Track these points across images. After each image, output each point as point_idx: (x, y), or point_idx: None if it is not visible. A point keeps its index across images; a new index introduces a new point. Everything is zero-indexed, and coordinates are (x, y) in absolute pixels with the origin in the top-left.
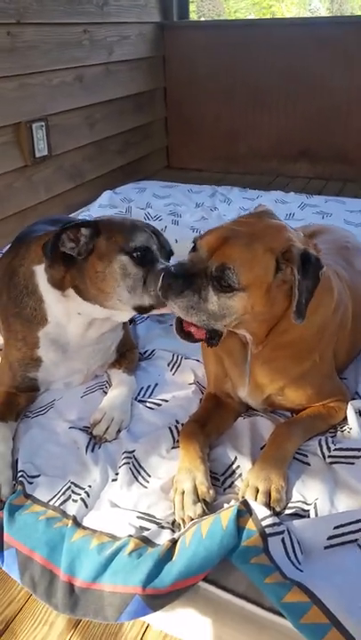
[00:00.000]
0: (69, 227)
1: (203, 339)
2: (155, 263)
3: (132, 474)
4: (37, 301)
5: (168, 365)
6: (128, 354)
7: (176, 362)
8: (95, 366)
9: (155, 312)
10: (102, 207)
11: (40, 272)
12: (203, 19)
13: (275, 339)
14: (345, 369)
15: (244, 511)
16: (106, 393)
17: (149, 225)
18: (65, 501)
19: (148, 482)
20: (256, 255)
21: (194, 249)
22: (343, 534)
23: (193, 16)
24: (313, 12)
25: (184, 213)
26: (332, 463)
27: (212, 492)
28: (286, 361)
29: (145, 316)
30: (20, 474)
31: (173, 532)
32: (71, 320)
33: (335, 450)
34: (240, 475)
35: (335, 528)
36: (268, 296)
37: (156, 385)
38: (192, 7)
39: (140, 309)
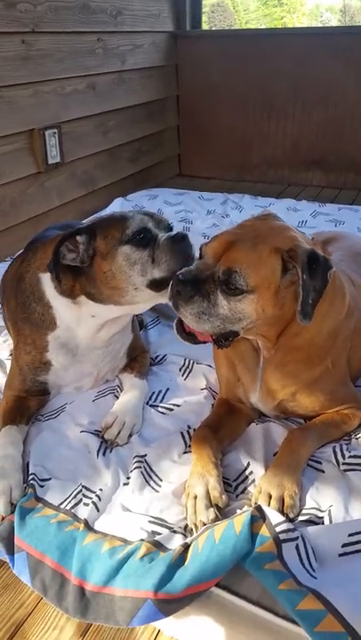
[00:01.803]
0: (65, 238)
1: (207, 341)
2: (157, 238)
3: (144, 478)
4: (45, 307)
5: (180, 370)
6: (139, 358)
7: (188, 367)
8: (105, 370)
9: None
10: None
11: (46, 280)
12: (214, 29)
13: (286, 342)
14: (359, 377)
15: (258, 517)
16: (117, 397)
17: (139, 210)
18: (76, 505)
19: (159, 486)
20: (262, 256)
21: (200, 256)
22: (358, 542)
23: (204, 27)
24: (324, 24)
25: (195, 220)
26: (346, 470)
27: (224, 497)
28: (298, 365)
29: (164, 301)
30: (31, 477)
31: (185, 536)
32: (81, 323)
33: (350, 457)
34: (253, 481)
35: (350, 535)
36: (278, 297)
37: (168, 390)
38: (203, 18)
39: (154, 284)
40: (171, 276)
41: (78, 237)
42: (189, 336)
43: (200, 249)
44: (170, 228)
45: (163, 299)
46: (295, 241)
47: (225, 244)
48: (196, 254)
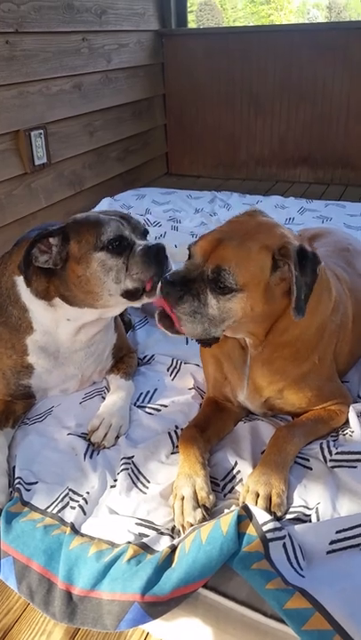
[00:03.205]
0: (36, 240)
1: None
2: (133, 246)
3: (131, 480)
4: (21, 310)
5: (167, 370)
6: (126, 358)
7: (175, 367)
8: (90, 371)
9: (146, 300)
10: None
11: (21, 283)
12: (199, 27)
13: (274, 338)
14: (347, 372)
15: (245, 516)
16: (105, 399)
17: (116, 212)
18: (63, 508)
19: (147, 488)
20: (251, 253)
21: (189, 256)
22: (346, 539)
23: (192, 25)
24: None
25: (183, 219)
26: (333, 467)
27: (212, 497)
28: (285, 362)
29: (137, 305)
30: (17, 481)
31: (173, 538)
32: (59, 326)
33: (337, 454)
34: (241, 480)
35: (337, 532)
36: (267, 294)
37: (156, 390)
38: (191, 17)
39: (128, 294)
40: (142, 286)
41: (51, 239)
42: (171, 325)
43: (188, 249)
44: (145, 233)
45: (137, 304)
46: (285, 237)
47: (213, 242)
48: (173, 266)
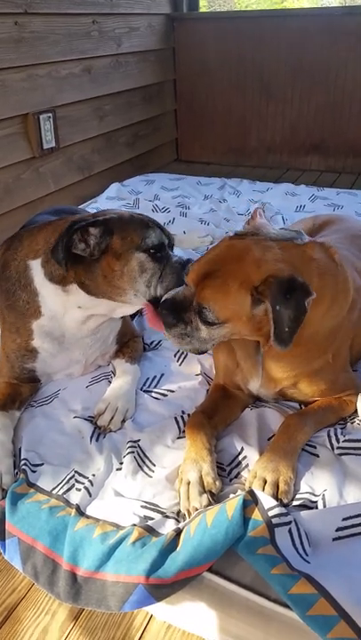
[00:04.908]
0: (78, 227)
1: None
2: (169, 257)
3: (137, 463)
4: (31, 294)
5: (174, 356)
6: (131, 343)
7: (182, 352)
8: (94, 356)
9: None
10: (110, 199)
11: (36, 266)
12: (211, 11)
13: None
14: (358, 361)
15: (250, 501)
16: (111, 383)
17: (152, 219)
18: (68, 490)
19: (153, 471)
20: (229, 293)
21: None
22: (352, 526)
23: (204, 9)
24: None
25: (192, 205)
26: (341, 454)
27: (218, 483)
28: (297, 359)
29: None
30: (22, 462)
31: (178, 521)
32: (67, 313)
33: (344, 441)
34: (247, 465)
35: (344, 520)
36: (252, 323)
37: (162, 375)
38: (203, 2)
39: (155, 300)
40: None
41: (92, 229)
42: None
43: (186, 272)
44: (172, 246)
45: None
46: (267, 272)
47: (200, 275)
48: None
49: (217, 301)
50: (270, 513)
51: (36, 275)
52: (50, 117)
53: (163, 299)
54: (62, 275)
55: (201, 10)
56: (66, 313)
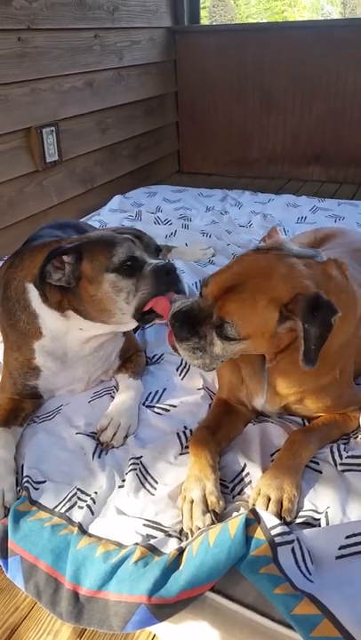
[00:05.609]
0: (51, 256)
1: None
2: (143, 266)
3: (139, 480)
4: (30, 316)
5: (177, 370)
6: (134, 357)
7: (185, 366)
8: (97, 373)
9: (158, 322)
10: (112, 211)
11: (32, 290)
12: (212, 24)
13: (290, 354)
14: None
15: (253, 520)
16: (114, 398)
17: (129, 229)
18: (71, 508)
19: (155, 489)
20: (256, 309)
21: (201, 293)
22: (355, 544)
23: (205, 22)
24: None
25: (194, 217)
26: (344, 471)
27: (221, 502)
28: (307, 374)
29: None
30: (25, 479)
31: (181, 540)
32: (69, 334)
33: (347, 457)
34: (250, 482)
35: (347, 537)
36: (273, 340)
37: (165, 390)
38: (204, 13)
39: (139, 317)
40: (145, 303)
41: (65, 257)
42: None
43: (201, 285)
44: (158, 250)
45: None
46: (296, 289)
47: (223, 288)
48: (185, 285)
49: (242, 316)
50: (273, 532)
51: (33, 298)
52: (52, 131)
53: (173, 310)
54: (57, 302)
55: (202, 22)
56: (68, 334)
